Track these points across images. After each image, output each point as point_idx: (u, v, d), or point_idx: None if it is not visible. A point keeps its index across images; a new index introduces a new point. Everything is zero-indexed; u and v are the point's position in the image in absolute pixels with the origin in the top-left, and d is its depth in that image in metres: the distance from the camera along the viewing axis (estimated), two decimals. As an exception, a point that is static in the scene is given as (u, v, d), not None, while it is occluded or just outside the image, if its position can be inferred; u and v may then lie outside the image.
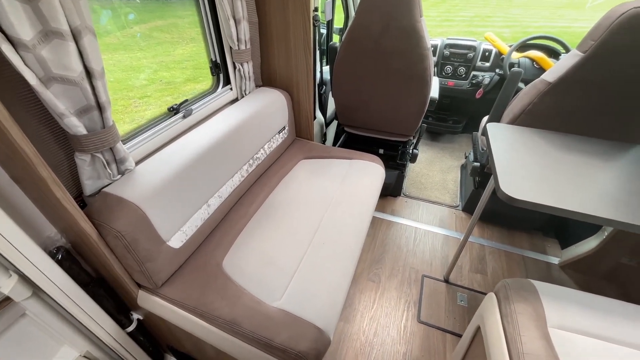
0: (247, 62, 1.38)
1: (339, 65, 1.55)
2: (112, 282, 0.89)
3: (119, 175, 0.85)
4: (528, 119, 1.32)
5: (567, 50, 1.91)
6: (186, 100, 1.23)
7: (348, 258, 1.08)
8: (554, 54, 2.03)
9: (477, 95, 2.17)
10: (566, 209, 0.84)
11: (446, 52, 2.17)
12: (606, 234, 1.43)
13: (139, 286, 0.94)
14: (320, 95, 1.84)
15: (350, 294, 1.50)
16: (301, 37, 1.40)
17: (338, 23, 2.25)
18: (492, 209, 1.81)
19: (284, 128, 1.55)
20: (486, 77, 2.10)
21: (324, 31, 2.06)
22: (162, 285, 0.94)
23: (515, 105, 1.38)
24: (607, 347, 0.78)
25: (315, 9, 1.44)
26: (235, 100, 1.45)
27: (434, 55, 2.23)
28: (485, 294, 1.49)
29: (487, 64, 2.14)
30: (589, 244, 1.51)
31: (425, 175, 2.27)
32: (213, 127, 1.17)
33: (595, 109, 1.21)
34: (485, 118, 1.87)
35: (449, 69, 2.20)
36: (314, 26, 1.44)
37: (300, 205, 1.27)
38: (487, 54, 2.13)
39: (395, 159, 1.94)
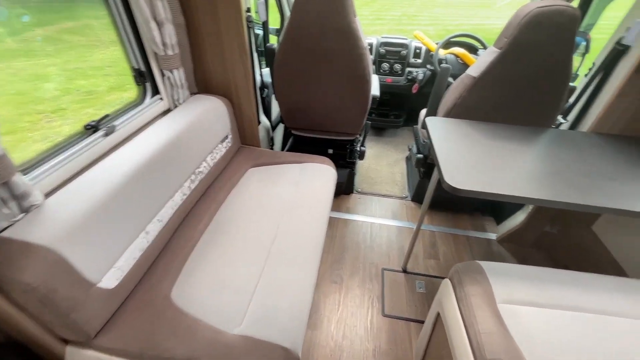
0: (178, 69, 1.25)
1: (278, 68, 1.50)
2: (29, 343, 0.73)
3: (22, 214, 0.70)
4: (460, 110, 1.43)
5: (484, 46, 2.12)
6: (107, 116, 1.07)
7: (309, 266, 1.05)
8: (473, 49, 2.24)
9: (414, 90, 2.30)
10: (500, 193, 0.92)
11: (382, 50, 2.26)
12: (530, 208, 1.61)
13: (66, 342, 0.79)
14: (263, 98, 1.77)
15: (314, 300, 1.47)
16: (235, 39, 1.32)
17: (274, 23, 2.20)
18: (437, 197, 1.93)
19: (226, 137, 1.45)
20: (420, 73, 2.24)
21: (260, 32, 1.99)
22: (97, 335, 0.80)
23: (448, 98, 1.48)
24: (548, 313, 0.87)
25: (248, 10, 1.37)
26: (168, 111, 1.31)
27: (371, 53, 2.31)
28: (440, 277, 1.59)
29: (419, 61, 2.28)
30: (517, 218, 1.69)
31: (374, 170, 2.34)
32: (143, 144, 1.04)
33: (513, 99, 1.35)
34: (423, 111, 1.98)
35: (385, 66, 2.29)
36: (249, 27, 1.37)
37: (253, 217, 1.20)
38: (418, 51, 2.26)
39: (345, 157, 1.96)
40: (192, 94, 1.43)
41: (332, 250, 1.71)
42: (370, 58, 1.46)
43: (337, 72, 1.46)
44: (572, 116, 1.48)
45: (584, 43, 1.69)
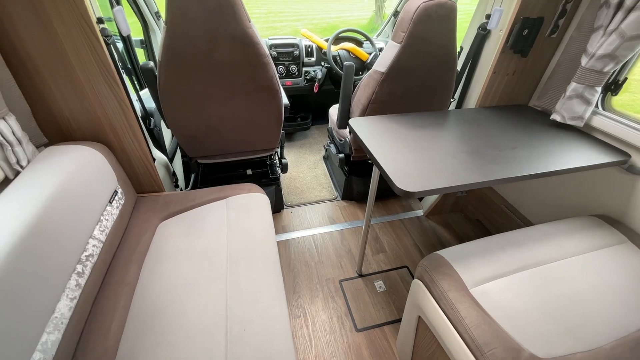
0: (4, 117, 0.83)
1: (164, 91, 1.19)
2: None
3: None
4: (375, 107, 1.44)
5: (367, 38, 2.23)
6: None
7: (280, 323, 0.87)
8: (358, 43, 2.34)
9: (315, 90, 2.26)
10: (446, 186, 0.93)
11: (273, 52, 2.12)
12: None
13: None
14: (150, 130, 1.40)
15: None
16: (91, 61, 0.96)
17: (135, 33, 1.77)
18: (364, 190, 1.97)
19: (115, 192, 1.08)
20: (318, 72, 2.20)
21: (120, 44, 1.56)
22: None
23: (362, 95, 1.47)
24: (505, 282, 0.95)
25: (101, 20, 1.01)
26: (6, 181, 0.86)
27: (263, 57, 2.14)
28: (393, 269, 1.61)
29: (313, 59, 2.24)
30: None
31: (297, 178, 2.23)
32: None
33: (418, 88, 1.43)
34: (332, 109, 1.96)
35: (281, 69, 2.17)
36: (107, 43, 1.02)
37: (188, 289, 0.92)
38: (309, 49, 2.22)
39: (267, 175, 1.78)
40: (43, 146, 1.00)
41: (285, 281, 1.54)
42: (274, 66, 1.30)
43: (239, 86, 1.25)
44: (457, 94, 1.69)
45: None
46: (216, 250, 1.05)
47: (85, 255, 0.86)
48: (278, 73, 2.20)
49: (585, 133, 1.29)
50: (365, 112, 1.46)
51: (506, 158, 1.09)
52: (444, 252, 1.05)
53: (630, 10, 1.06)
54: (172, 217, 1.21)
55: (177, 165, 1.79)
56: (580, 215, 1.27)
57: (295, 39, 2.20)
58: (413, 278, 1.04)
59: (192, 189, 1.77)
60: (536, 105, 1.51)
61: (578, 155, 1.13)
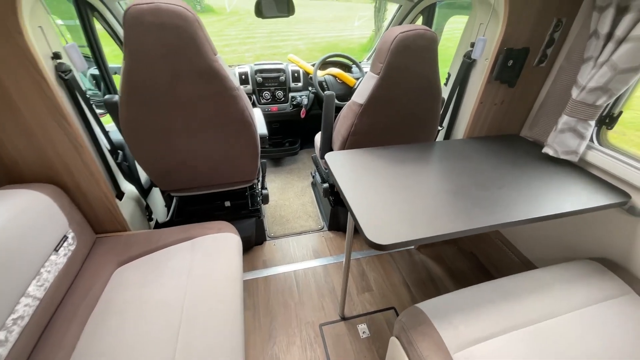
0: None
1: (127, 126, 1.13)
2: None
3: None
4: (355, 139, 1.36)
5: (354, 62, 2.19)
6: None
7: None
8: (347, 68, 2.30)
9: (302, 115, 2.21)
10: (423, 237, 0.84)
11: (258, 78, 2.08)
12: None
13: None
14: (119, 164, 1.33)
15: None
16: (39, 101, 0.90)
17: (115, 59, 1.74)
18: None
19: (64, 238, 0.99)
20: (304, 98, 2.15)
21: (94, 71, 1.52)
22: None
23: (341, 126, 1.40)
24: (494, 344, 0.84)
25: (57, 56, 0.96)
26: None
27: (247, 82, 2.10)
28: (379, 311, 1.49)
29: (300, 84, 2.20)
30: None
31: (283, 206, 2.14)
32: None
33: (400, 119, 1.36)
34: (318, 136, 1.89)
35: (267, 94, 2.12)
36: (64, 79, 0.96)
37: (130, 355, 0.82)
38: (296, 74, 2.18)
39: (247, 207, 1.69)
40: (-17, 190, 0.92)
41: (258, 326, 1.42)
42: (246, 98, 1.24)
43: (208, 121, 1.18)
44: (445, 122, 1.61)
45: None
46: (172, 303, 0.95)
47: (13, 319, 0.77)
48: (263, 99, 2.15)
49: (579, 168, 1.20)
50: (345, 144, 1.38)
51: (492, 199, 0.99)
52: (425, 305, 0.94)
53: (621, 41, 0.99)
54: (132, 262, 1.11)
55: (156, 197, 1.71)
56: (579, 258, 1.16)
57: (281, 64, 2.16)
58: None
59: (168, 221, 1.69)
60: (528, 136, 1.43)
61: (572, 196, 1.03)
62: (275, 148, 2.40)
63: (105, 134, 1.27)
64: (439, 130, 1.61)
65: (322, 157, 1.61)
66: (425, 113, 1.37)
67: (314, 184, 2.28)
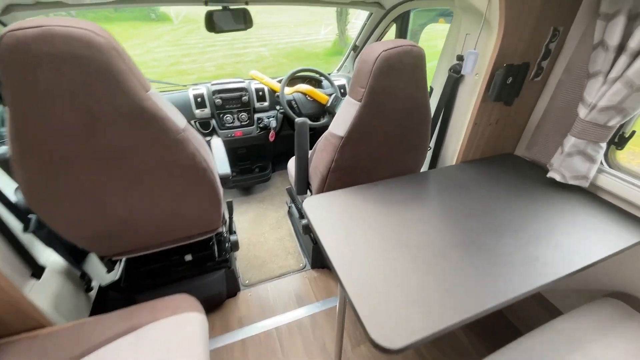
0: None
1: (30, 191, 0.82)
2: None
3: None
4: (338, 175, 1.14)
5: (325, 77, 1.98)
6: None
7: None
8: (317, 82, 2.08)
9: (271, 138, 1.96)
10: (439, 330, 0.63)
11: (217, 100, 1.80)
12: None
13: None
14: (34, 232, 1.01)
15: None
16: None
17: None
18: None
19: None
20: (272, 120, 1.91)
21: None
22: None
23: (319, 161, 1.18)
24: None
25: None
26: None
27: (204, 106, 1.81)
28: None
29: (266, 103, 1.95)
30: None
31: (257, 244, 1.87)
32: None
33: (388, 147, 1.16)
34: (291, 163, 1.65)
35: (229, 118, 1.85)
36: None
37: None
38: (260, 93, 1.92)
39: (212, 258, 1.41)
40: None
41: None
42: (197, 138, 0.98)
43: (148, 172, 0.91)
44: (432, 142, 1.45)
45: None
46: None
47: None
48: (225, 124, 1.87)
49: (591, 194, 1.06)
50: (325, 182, 1.16)
51: (514, 252, 0.82)
52: None
53: (636, 55, 0.85)
54: (51, 376, 0.81)
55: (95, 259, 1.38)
56: (596, 292, 1.03)
57: (243, 82, 1.90)
58: None
59: (114, 285, 1.37)
60: (525, 155, 1.29)
61: (598, 234, 0.89)
62: (243, 176, 2.13)
63: (5, 202, 0.95)
64: (428, 149, 1.45)
65: (299, 193, 1.38)
66: (414, 137, 1.19)
67: (290, 213, 2.04)
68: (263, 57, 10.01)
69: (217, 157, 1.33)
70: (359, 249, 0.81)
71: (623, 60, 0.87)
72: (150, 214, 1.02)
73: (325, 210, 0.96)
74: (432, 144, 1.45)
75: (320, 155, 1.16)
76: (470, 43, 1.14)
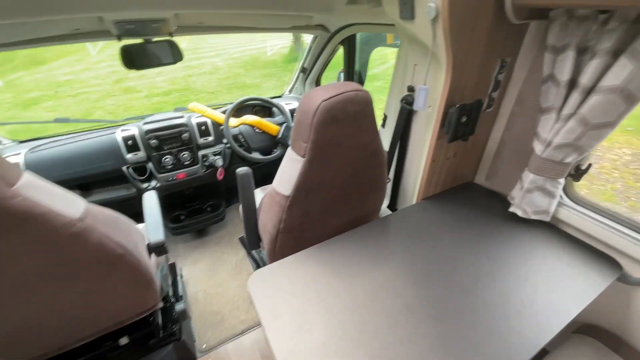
0: None
1: None
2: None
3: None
4: (287, 235, 1.00)
5: (274, 105, 1.83)
6: None
7: None
8: (266, 110, 1.93)
9: (219, 177, 1.76)
10: None
11: (152, 141, 1.58)
12: None
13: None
14: None
15: None
16: None
17: None
18: None
19: None
20: (217, 159, 1.71)
21: None
22: None
23: (267, 220, 1.03)
24: None
25: None
26: None
27: (137, 149, 1.58)
28: None
29: (211, 138, 1.75)
30: None
31: (215, 295, 1.67)
32: None
33: (342, 197, 1.04)
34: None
35: (168, 160, 1.63)
36: None
37: None
38: (203, 127, 1.72)
39: (157, 333, 1.20)
40: None
41: None
42: (107, 219, 0.79)
43: (40, 276, 0.71)
44: (391, 174, 1.36)
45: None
46: None
47: None
48: (164, 167, 1.65)
49: (555, 228, 1.03)
50: (275, 243, 1.01)
51: (478, 326, 0.74)
52: None
53: (589, 91, 0.80)
54: None
55: None
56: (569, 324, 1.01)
57: (182, 117, 1.69)
58: None
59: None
60: (485, 185, 1.23)
61: (569, 279, 0.84)
62: (193, 219, 1.91)
63: None
64: (388, 181, 1.35)
65: (252, 249, 1.23)
66: (370, 182, 1.08)
67: (250, 254, 1.86)
68: (218, 68, 9.61)
69: (148, 218, 1.13)
70: (312, 340, 0.68)
71: (575, 96, 0.82)
72: (54, 319, 0.81)
73: (272, 287, 0.82)
74: (391, 175, 1.36)
75: (267, 215, 1.01)
76: (420, 74, 1.05)
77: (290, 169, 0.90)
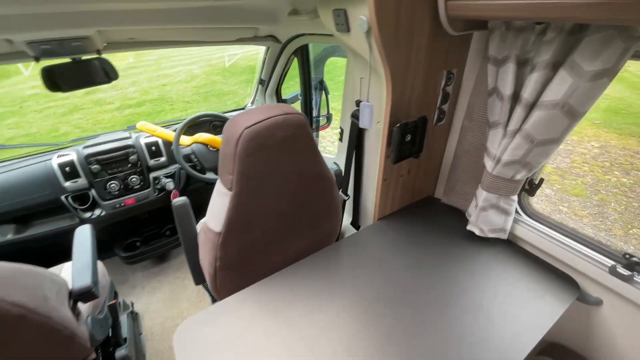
0: None
1: None
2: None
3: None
4: (227, 272, 0.91)
5: (226, 120, 1.73)
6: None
7: None
8: (220, 128, 1.83)
9: (173, 198, 1.65)
10: None
11: (94, 166, 1.45)
12: None
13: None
14: None
15: None
16: None
17: None
18: None
19: None
20: (168, 182, 1.60)
21: None
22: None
23: (204, 258, 0.94)
24: None
25: None
26: None
27: (77, 176, 1.45)
28: None
29: (163, 159, 1.63)
30: None
31: (173, 328, 1.55)
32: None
33: (286, 227, 0.96)
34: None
35: (115, 185, 1.50)
36: None
37: None
38: (154, 147, 1.61)
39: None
40: None
41: None
42: (2, 274, 0.68)
43: None
44: (350, 190, 1.28)
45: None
46: None
47: None
48: (110, 192, 1.52)
49: (513, 245, 0.98)
50: (215, 280, 0.92)
51: (448, 348, 0.67)
52: None
53: (531, 106, 0.75)
54: None
55: None
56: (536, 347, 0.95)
57: (128, 137, 1.56)
58: None
59: None
60: (444, 200, 1.18)
61: (531, 308, 0.78)
62: (150, 245, 1.78)
63: None
64: (346, 200, 1.28)
65: (197, 284, 1.13)
66: (320, 208, 1.00)
67: None
68: (195, 76, 9.40)
69: (75, 260, 1.01)
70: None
71: (519, 111, 0.76)
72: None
73: (203, 341, 0.73)
74: (350, 192, 1.29)
75: (203, 251, 0.92)
76: (366, 87, 0.98)
77: (219, 203, 0.81)
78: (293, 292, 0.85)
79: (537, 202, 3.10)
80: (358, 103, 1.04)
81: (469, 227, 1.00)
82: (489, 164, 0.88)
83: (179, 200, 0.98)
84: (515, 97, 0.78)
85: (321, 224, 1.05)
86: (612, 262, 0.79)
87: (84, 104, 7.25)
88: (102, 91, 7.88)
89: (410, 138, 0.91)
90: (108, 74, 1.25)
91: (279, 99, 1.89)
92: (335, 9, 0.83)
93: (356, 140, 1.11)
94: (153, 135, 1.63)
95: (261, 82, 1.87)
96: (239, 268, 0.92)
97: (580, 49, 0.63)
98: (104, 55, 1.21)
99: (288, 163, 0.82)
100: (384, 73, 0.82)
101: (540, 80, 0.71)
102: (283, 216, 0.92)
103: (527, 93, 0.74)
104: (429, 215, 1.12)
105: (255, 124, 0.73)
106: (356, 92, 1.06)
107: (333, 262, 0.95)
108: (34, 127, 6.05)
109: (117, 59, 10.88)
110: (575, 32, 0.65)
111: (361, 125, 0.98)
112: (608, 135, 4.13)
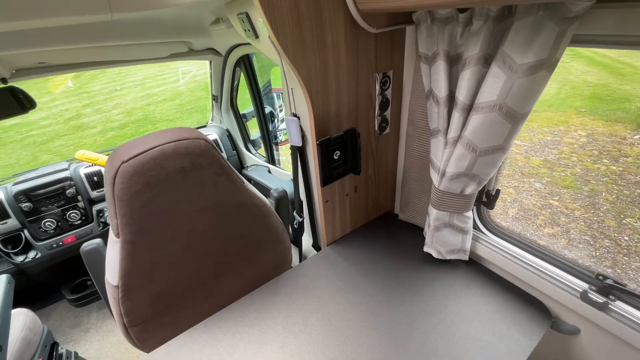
0: None
1: None
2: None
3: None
4: (138, 329, 0.77)
5: None
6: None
7: None
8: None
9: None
10: None
11: (25, 204, 1.32)
12: None
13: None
14: None
15: None
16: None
17: None
18: None
19: None
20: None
21: None
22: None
23: (115, 313, 0.79)
24: None
25: None
26: None
27: (6, 216, 1.31)
28: None
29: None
30: None
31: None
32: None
33: (214, 266, 0.82)
34: None
35: (50, 224, 1.37)
36: None
37: None
38: (95, 178, 1.48)
39: None
40: None
41: None
42: None
43: None
44: (305, 212, 1.15)
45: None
46: None
47: None
48: (45, 231, 1.38)
49: (477, 264, 0.84)
50: (131, 338, 0.78)
51: None
52: None
53: (468, 109, 0.63)
54: None
55: None
56: None
57: (65, 169, 1.43)
58: None
59: None
60: (401, 217, 1.05)
61: (502, 344, 0.64)
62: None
63: None
64: (302, 221, 1.15)
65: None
66: (257, 237, 0.87)
67: None
68: (179, 93, 9.32)
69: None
70: None
71: (457, 116, 0.64)
72: None
73: None
74: (305, 213, 1.16)
75: (111, 306, 0.78)
76: (296, 100, 0.86)
77: (112, 252, 0.68)
78: (227, 337, 0.72)
79: (526, 197, 2.98)
80: (294, 115, 0.92)
81: (425, 249, 0.87)
82: (435, 178, 0.75)
83: (89, 245, 0.84)
84: (452, 100, 0.66)
85: (260, 256, 0.92)
86: (585, 285, 0.66)
87: (66, 130, 7.14)
88: (85, 116, 7.78)
89: (341, 154, 0.78)
90: (22, 103, 1.13)
91: (236, 113, 1.77)
92: (239, 13, 0.72)
93: (298, 157, 0.98)
94: (95, 165, 1.50)
95: (214, 98, 1.75)
96: (158, 320, 0.78)
97: (509, 39, 0.51)
98: (14, 84, 1.08)
99: (193, 197, 0.69)
100: (297, 81, 0.70)
101: (473, 78, 0.59)
102: (206, 255, 0.79)
103: (461, 94, 0.62)
104: (385, 235, 0.99)
105: (135, 157, 0.60)
106: (291, 104, 0.94)
107: (276, 298, 0.82)
108: (13, 158, 5.92)
109: (105, 82, 10.80)
110: (503, 18, 0.53)
111: (291, 142, 0.85)
112: (594, 123, 4.04)
